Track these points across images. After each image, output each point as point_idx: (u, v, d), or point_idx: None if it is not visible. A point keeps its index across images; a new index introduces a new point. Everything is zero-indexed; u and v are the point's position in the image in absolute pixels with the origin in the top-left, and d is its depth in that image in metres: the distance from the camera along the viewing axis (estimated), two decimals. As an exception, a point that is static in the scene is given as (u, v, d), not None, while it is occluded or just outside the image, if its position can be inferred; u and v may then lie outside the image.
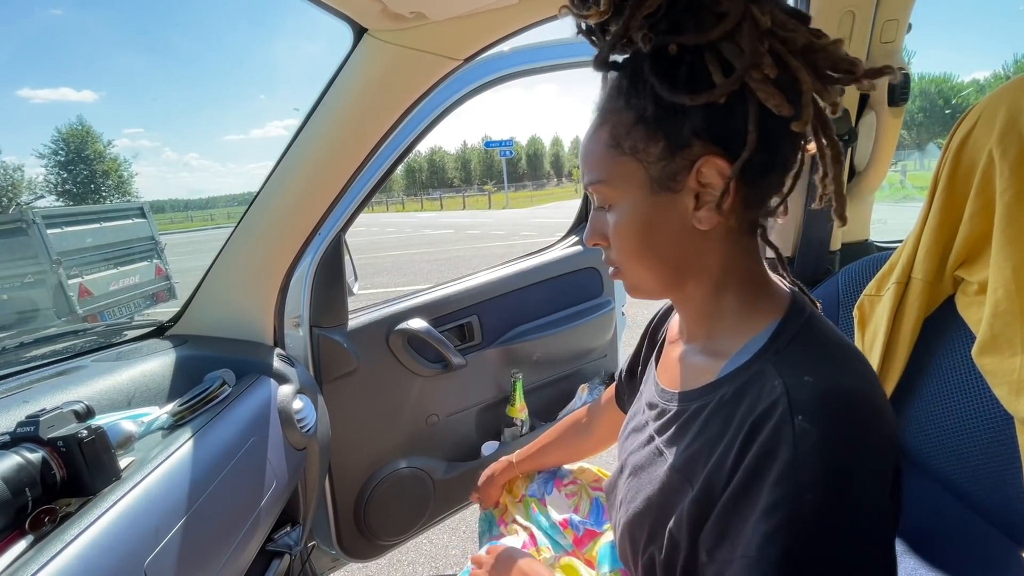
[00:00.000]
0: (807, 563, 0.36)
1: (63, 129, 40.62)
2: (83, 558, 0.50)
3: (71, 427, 0.59)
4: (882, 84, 0.97)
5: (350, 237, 1.23)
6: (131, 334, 1.03)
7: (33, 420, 0.59)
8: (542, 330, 1.47)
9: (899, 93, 0.95)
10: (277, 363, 0.96)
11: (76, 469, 0.58)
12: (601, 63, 0.45)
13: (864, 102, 1.01)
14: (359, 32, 0.80)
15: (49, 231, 4.36)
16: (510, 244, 10.70)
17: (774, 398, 0.40)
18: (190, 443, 0.69)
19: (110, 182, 41.01)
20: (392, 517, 1.31)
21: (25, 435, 0.57)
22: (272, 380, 0.92)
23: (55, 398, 0.70)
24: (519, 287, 1.45)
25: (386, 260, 9.45)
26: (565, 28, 0.49)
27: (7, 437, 0.58)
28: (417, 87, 0.88)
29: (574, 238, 1.63)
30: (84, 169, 40.09)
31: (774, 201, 0.46)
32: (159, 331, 1.02)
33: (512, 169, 69.91)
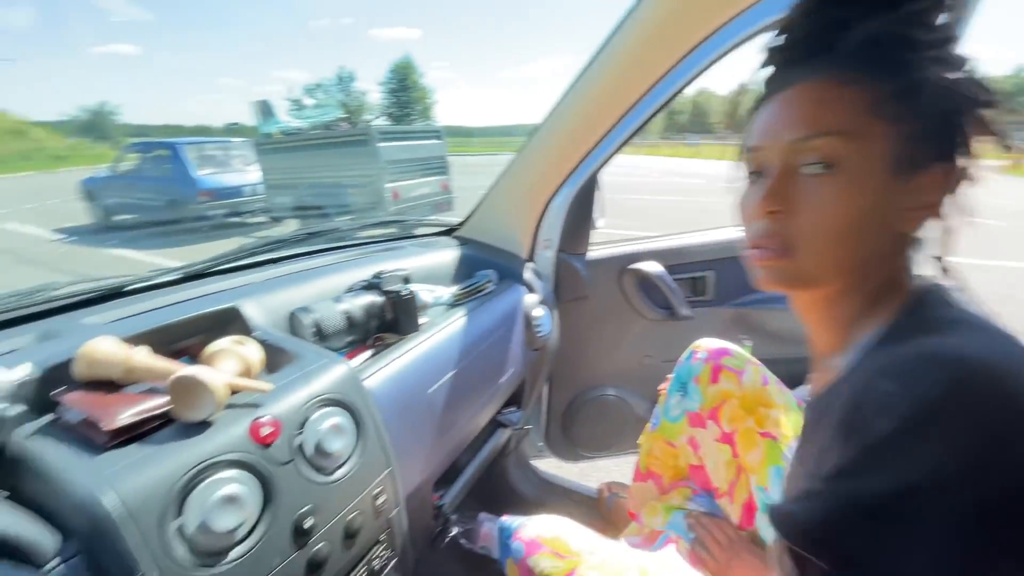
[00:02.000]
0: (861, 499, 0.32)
1: (395, 62, 50.59)
2: (397, 372, 0.74)
3: (399, 286, 0.84)
4: None
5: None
6: (430, 229, 1.33)
7: (379, 277, 0.85)
8: (785, 301, 1.33)
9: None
10: (528, 275, 1.13)
11: (397, 315, 0.83)
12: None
13: None
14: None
15: (380, 144, 5.72)
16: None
17: (866, 375, 0.38)
18: (463, 319, 0.90)
19: (419, 108, 50.05)
20: (592, 433, 1.45)
21: (376, 284, 0.84)
22: (523, 287, 1.09)
23: (388, 265, 0.98)
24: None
25: (628, 203, 9.42)
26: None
27: (365, 283, 0.86)
28: (710, 22, 0.85)
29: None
30: (403, 96, 49.71)
31: None
32: (449, 231, 1.30)
33: (793, 117, 59.22)
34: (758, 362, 0.86)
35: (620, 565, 0.66)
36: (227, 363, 0.54)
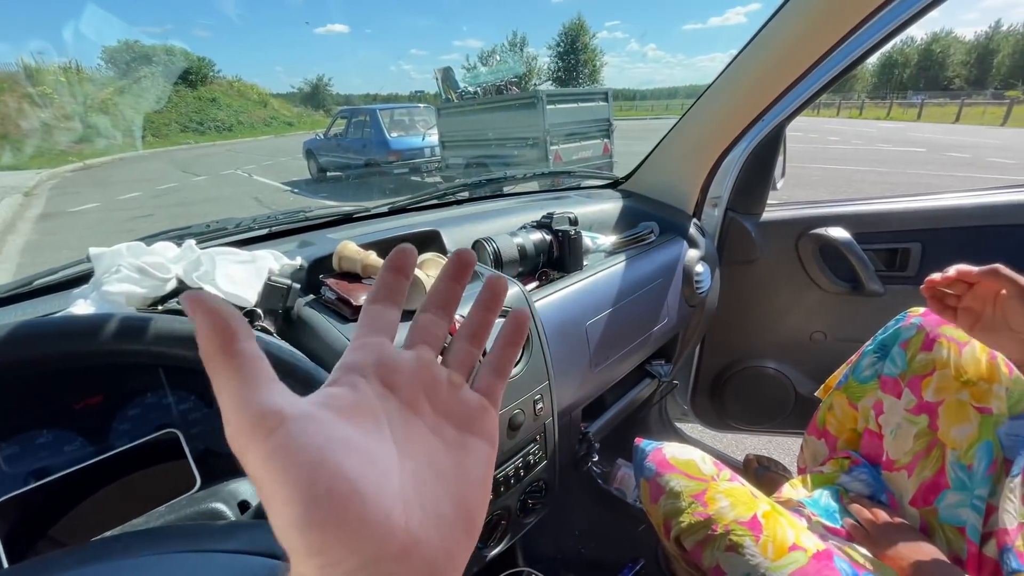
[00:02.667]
0: None
1: (567, 24, 50.04)
2: (560, 301, 0.81)
3: (567, 227, 0.91)
4: None
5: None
6: (596, 182, 1.38)
7: (549, 216, 0.93)
8: None
9: None
10: (692, 230, 1.11)
11: (563, 254, 0.90)
12: None
13: None
14: None
15: (547, 107, 5.83)
16: (1018, 180, 7.31)
17: None
18: (622, 265, 0.94)
19: (587, 70, 49.19)
20: (744, 406, 1.39)
21: (546, 223, 0.92)
22: (685, 242, 1.08)
23: (557, 207, 1.05)
24: (1007, 223, 1.10)
25: (815, 174, 8.19)
26: None
27: (536, 222, 0.95)
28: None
29: None
30: (572, 59, 49.22)
31: None
32: (614, 184, 1.33)
33: (1082, 66, 44.28)
34: None
35: (750, 495, 0.66)
36: (432, 270, 0.67)
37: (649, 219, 1.13)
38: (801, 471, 1.00)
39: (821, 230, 1.19)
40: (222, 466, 0.57)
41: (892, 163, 9.39)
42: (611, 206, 1.16)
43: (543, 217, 0.95)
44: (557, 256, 0.91)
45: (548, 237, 0.90)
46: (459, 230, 0.94)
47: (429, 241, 0.79)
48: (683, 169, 1.17)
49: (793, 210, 1.24)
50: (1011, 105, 20.57)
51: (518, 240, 0.87)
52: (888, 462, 0.77)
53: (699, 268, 1.06)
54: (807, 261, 1.22)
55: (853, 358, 0.91)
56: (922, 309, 0.83)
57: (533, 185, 1.58)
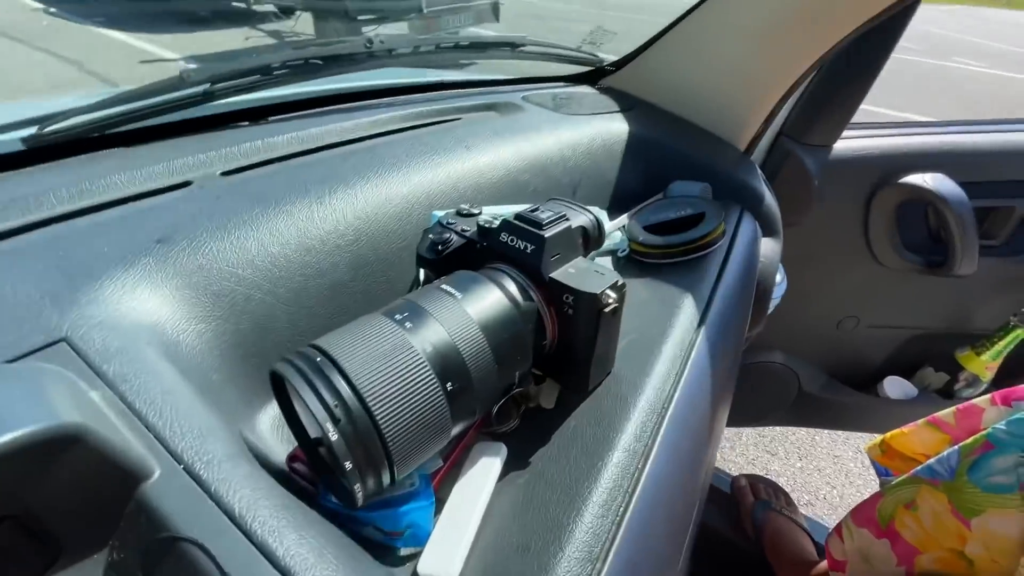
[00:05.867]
0: None
1: None
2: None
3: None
4: None
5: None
6: (556, 66, 0.72)
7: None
8: None
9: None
10: (767, 198, 0.58)
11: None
12: None
13: None
14: None
15: None
16: None
17: None
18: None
19: None
20: (736, 405, 1.02)
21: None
22: (751, 219, 0.55)
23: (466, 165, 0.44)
24: None
25: (951, 74, 5.40)
26: None
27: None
28: None
29: None
30: None
31: None
32: (594, 76, 0.70)
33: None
34: None
35: None
36: None
37: (679, 164, 0.56)
38: (836, 566, 0.64)
39: (914, 179, 0.73)
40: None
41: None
42: (602, 132, 0.56)
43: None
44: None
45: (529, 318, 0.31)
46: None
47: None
48: (748, 70, 0.59)
49: (876, 137, 0.75)
50: None
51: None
52: None
53: (778, 277, 0.56)
54: (875, 222, 0.78)
55: (969, 443, 0.48)
56: None
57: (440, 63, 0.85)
